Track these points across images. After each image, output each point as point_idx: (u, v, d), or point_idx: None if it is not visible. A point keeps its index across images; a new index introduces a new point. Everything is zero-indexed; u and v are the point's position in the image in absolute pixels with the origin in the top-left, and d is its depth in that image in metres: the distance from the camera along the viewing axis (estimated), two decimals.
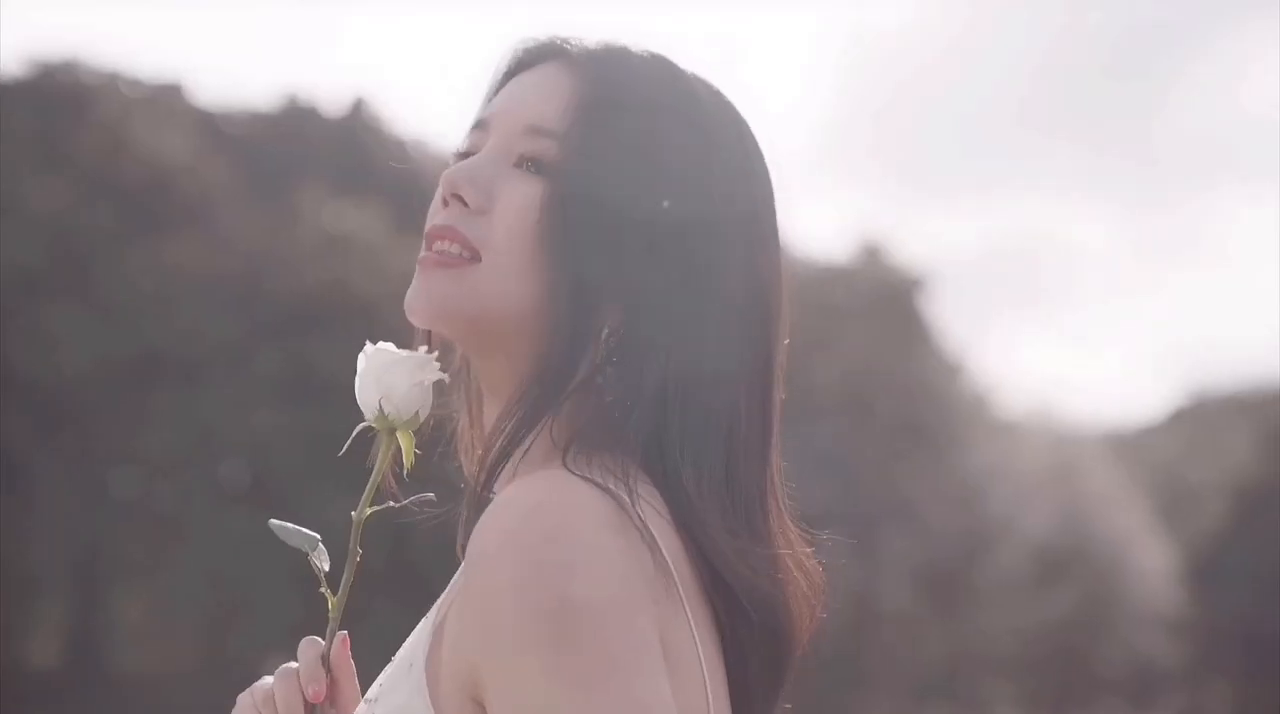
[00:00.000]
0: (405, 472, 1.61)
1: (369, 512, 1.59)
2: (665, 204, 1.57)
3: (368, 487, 1.59)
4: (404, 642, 1.59)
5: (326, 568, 1.62)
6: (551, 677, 1.40)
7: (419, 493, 1.63)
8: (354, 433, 1.61)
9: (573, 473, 1.48)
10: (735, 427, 1.59)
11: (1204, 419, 31.04)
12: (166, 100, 22.89)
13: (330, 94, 25.30)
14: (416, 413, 1.60)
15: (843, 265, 26.02)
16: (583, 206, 1.56)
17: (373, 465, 1.60)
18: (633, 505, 1.48)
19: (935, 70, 47.01)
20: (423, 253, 1.61)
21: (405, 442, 1.60)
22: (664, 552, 1.49)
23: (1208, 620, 26.79)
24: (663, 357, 1.56)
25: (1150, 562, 26.68)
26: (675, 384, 1.56)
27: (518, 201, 1.58)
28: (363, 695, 1.60)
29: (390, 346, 1.60)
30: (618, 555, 1.45)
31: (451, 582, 1.57)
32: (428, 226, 1.61)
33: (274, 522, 1.64)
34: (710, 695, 1.52)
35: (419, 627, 1.57)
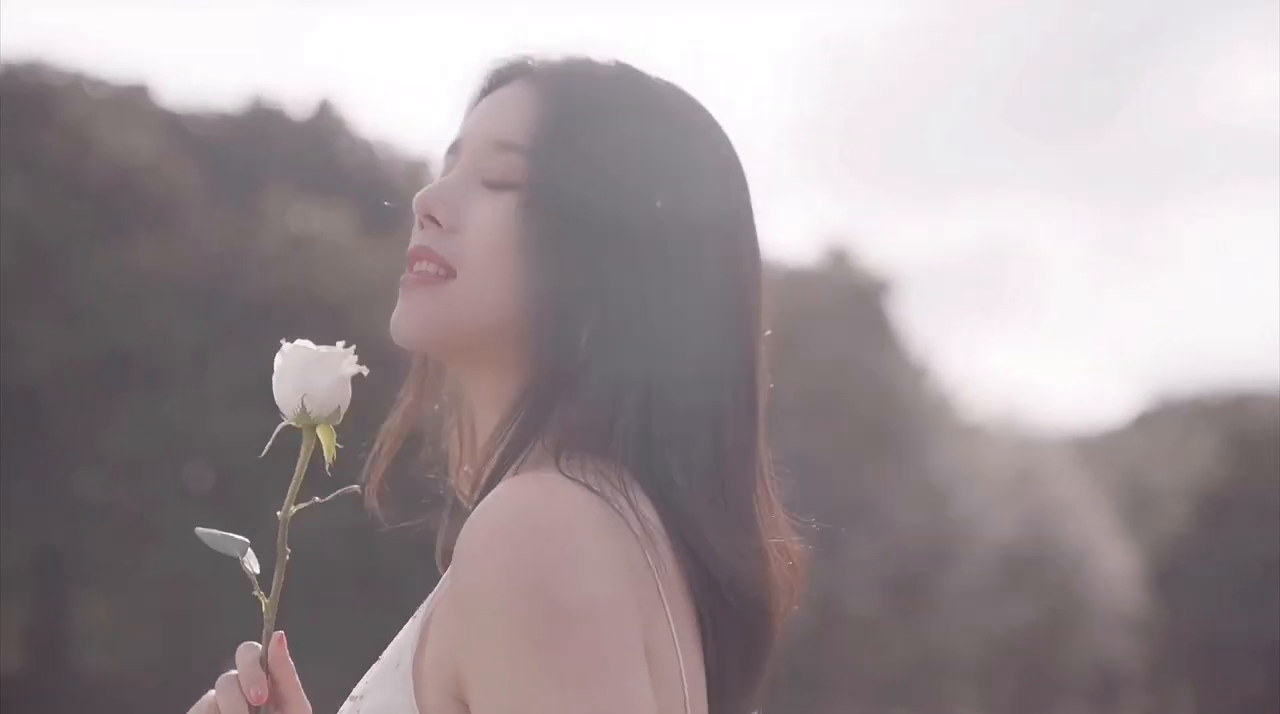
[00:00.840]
0: (328, 467, 1.62)
1: (294, 510, 1.61)
2: (635, 208, 1.59)
3: (291, 485, 1.61)
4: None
5: (257, 570, 1.63)
6: (534, 677, 1.42)
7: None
8: (275, 433, 1.62)
9: (565, 475, 1.50)
10: (722, 421, 1.61)
11: (1168, 423, 31.13)
12: (132, 101, 22.81)
13: (296, 95, 25.23)
14: (338, 408, 1.61)
15: (810, 268, 26.05)
16: (550, 216, 1.59)
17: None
18: (630, 509, 1.50)
19: (903, 74, 47.14)
20: (403, 276, 1.64)
21: (326, 437, 1.62)
22: (653, 554, 1.51)
23: (1171, 624, 26.89)
24: (645, 357, 1.58)
25: (1114, 565, 26.76)
26: (659, 383, 1.58)
27: (486, 216, 1.61)
28: (351, 693, 1.61)
29: (308, 344, 1.62)
30: (606, 557, 1.47)
31: (440, 581, 1.59)
32: (408, 250, 1.65)
33: (200, 530, 1.66)
34: (688, 702, 1.54)
35: (407, 626, 1.58)
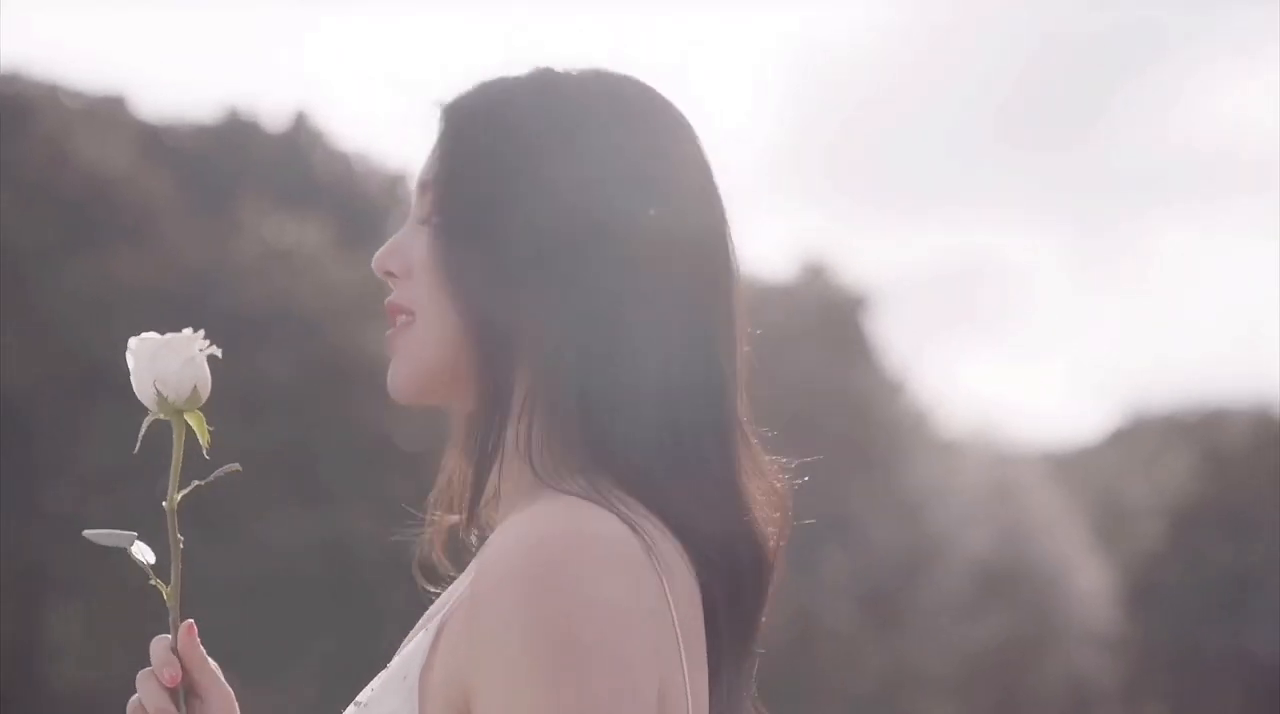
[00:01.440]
0: (205, 451, 1.63)
1: (178, 497, 1.62)
2: (540, 215, 1.60)
3: (171, 472, 1.63)
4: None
5: (151, 560, 1.65)
6: (545, 709, 1.43)
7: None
8: (143, 426, 1.63)
9: (583, 498, 1.52)
10: (675, 406, 1.61)
11: (1143, 440, 31.19)
12: (108, 112, 22.77)
13: (273, 107, 25.20)
14: (195, 390, 1.62)
15: (786, 284, 26.07)
16: (455, 239, 1.62)
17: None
18: (630, 514, 1.51)
19: (878, 91, 47.24)
20: (387, 333, 1.68)
21: (195, 421, 1.64)
22: (658, 558, 1.52)
23: (1146, 640, 26.93)
24: (581, 363, 1.58)
25: (1089, 581, 26.80)
26: (603, 384, 1.58)
27: (418, 255, 1.65)
28: (354, 699, 1.63)
29: (153, 334, 1.63)
30: (625, 591, 1.48)
31: (445, 592, 1.62)
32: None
33: (88, 531, 1.68)
34: None
35: (417, 637, 1.60)
